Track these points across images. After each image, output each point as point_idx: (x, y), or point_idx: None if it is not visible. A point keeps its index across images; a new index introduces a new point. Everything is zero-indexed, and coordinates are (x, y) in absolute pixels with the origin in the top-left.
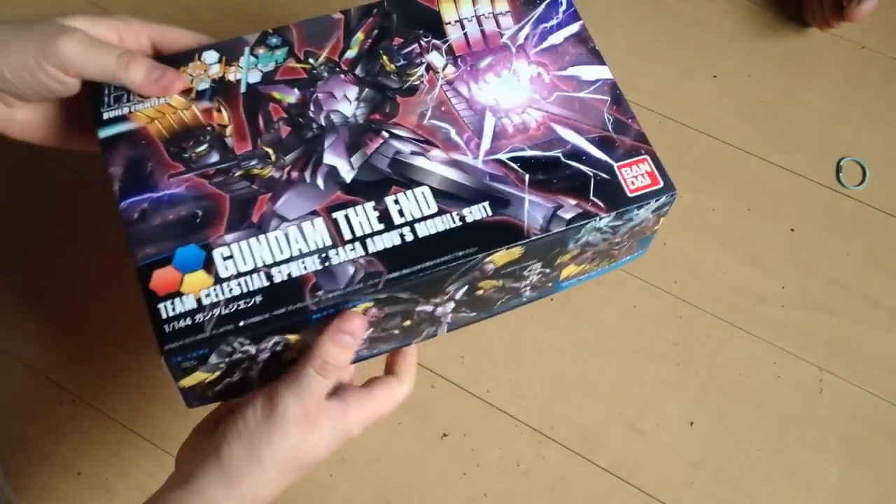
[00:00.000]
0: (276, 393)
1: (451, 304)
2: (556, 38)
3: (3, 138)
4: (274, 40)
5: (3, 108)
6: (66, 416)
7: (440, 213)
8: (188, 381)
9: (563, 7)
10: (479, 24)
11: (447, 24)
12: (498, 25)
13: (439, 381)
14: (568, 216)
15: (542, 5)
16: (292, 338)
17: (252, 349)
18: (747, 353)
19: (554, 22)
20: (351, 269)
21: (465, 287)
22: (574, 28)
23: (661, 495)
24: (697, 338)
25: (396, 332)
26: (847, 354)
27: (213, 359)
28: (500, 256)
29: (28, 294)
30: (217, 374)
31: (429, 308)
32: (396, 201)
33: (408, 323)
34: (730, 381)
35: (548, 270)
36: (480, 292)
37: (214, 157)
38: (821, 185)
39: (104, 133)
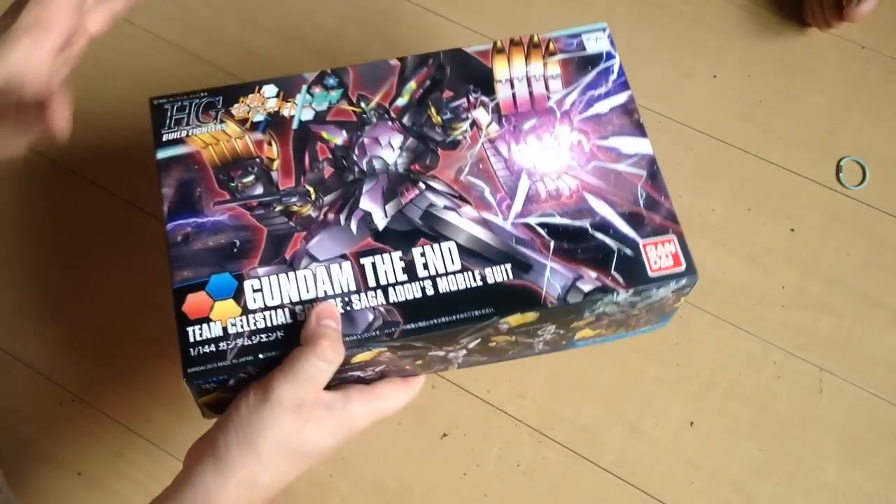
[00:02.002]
0: (270, 379)
1: (463, 352)
2: (602, 106)
3: None
4: (331, 80)
5: None
6: (66, 416)
7: (463, 270)
8: (207, 399)
9: (614, 76)
10: (529, 85)
11: (498, 81)
12: (547, 88)
13: (439, 381)
14: (587, 288)
15: (594, 72)
16: None
17: (264, 372)
18: (747, 353)
19: (602, 90)
20: (370, 316)
21: (478, 340)
22: (622, 98)
23: (661, 495)
24: (697, 338)
25: (408, 367)
26: (847, 354)
27: (231, 383)
28: (515, 319)
29: (28, 294)
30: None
31: (441, 353)
32: (423, 254)
33: (419, 362)
34: (730, 381)
35: (562, 332)
36: (493, 345)
37: (258, 190)
38: (821, 184)
39: (161, 154)
